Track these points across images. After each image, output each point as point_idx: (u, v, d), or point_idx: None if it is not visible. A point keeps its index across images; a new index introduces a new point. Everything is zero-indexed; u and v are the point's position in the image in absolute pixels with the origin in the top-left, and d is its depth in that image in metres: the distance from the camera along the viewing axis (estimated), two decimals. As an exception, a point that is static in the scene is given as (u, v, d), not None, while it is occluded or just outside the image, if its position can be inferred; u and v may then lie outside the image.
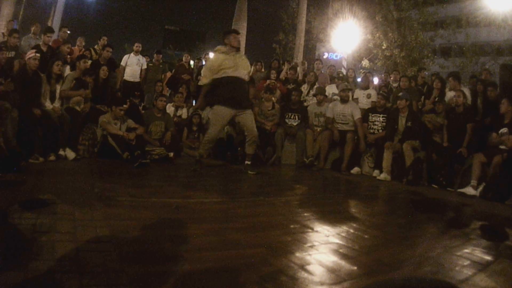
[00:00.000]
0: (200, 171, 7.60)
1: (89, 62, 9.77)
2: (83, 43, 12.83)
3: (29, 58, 7.65)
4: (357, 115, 9.63)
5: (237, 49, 7.86)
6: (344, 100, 9.80)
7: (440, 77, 10.88)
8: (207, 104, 8.26)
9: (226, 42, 7.75)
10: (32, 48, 8.84)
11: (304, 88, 11.66)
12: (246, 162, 8.02)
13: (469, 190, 7.35)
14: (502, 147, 7.47)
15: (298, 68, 14.07)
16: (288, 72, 12.31)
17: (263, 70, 12.92)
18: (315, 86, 11.31)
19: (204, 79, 7.80)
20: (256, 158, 9.42)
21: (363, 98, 11.24)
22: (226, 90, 7.54)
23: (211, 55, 11.22)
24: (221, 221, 4.25)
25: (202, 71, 8.13)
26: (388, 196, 7.45)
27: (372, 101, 10.91)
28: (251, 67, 10.89)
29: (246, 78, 7.93)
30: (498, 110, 7.92)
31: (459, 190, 7.56)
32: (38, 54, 7.84)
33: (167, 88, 12.93)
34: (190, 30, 63.06)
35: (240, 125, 8.05)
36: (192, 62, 14.59)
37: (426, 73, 14.35)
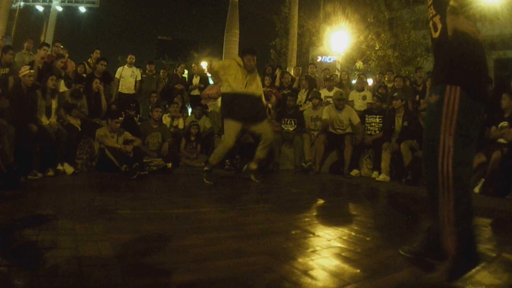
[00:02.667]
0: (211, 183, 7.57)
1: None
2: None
3: (24, 75, 7.65)
4: (356, 119, 9.65)
5: (251, 69, 7.77)
6: (339, 108, 9.81)
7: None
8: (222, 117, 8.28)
9: (243, 61, 7.73)
10: (27, 65, 8.84)
11: (302, 93, 11.67)
12: (252, 165, 7.94)
13: None
14: (501, 140, 7.48)
15: (292, 72, 14.13)
16: (283, 77, 12.34)
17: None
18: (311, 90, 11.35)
19: (209, 66, 7.73)
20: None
21: (359, 100, 11.28)
22: (238, 108, 7.53)
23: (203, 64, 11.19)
24: (222, 230, 4.24)
25: (213, 63, 8.05)
26: (388, 197, 7.46)
27: (367, 103, 10.95)
28: None
29: (259, 92, 7.84)
30: (495, 105, 7.93)
31: None
32: (32, 71, 7.85)
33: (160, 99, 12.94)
34: (183, 40, 63.06)
35: (256, 133, 7.99)
36: (186, 72, 14.59)
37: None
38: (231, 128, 7.57)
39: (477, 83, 2.96)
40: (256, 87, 7.73)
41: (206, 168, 7.70)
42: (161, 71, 15.07)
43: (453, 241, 2.87)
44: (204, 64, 10.09)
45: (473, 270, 3.10)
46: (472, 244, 2.93)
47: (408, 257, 3.34)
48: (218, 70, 7.57)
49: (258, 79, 7.96)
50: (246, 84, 7.54)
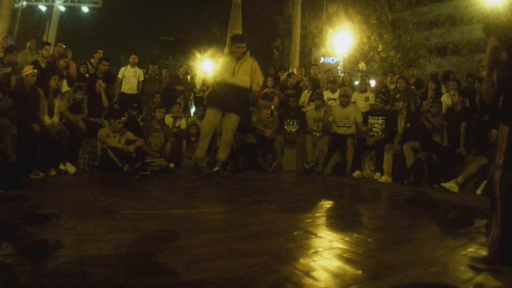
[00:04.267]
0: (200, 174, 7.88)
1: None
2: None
3: (27, 74, 7.66)
4: (359, 119, 9.69)
5: (240, 56, 7.86)
6: (343, 105, 9.85)
7: (434, 78, 10.95)
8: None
9: (230, 50, 7.94)
10: (30, 64, 8.85)
11: (305, 94, 11.65)
12: (216, 168, 7.93)
13: (451, 186, 7.39)
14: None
15: (296, 71, 14.12)
16: (290, 78, 12.32)
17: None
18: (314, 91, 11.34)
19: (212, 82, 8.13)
20: (258, 166, 9.48)
21: (361, 101, 11.27)
22: (217, 94, 7.86)
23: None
24: (224, 230, 4.24)
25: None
26: (390, 198, 7.44)
27: (370, 104, 10.95)
28: None
29: (245, 84, 7.87)
30: (497, 107, 7.91)
31: (442, 184, 7.61)
32: (35, 70, 7.85)
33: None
34: (186, 40, 63.04)
35: (222, 128, 8.21)
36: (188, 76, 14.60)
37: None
38: (208, 114, 7.98)
39: None
40: (244, 76, 7.81)
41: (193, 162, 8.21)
42: (164, 70, 15.08)
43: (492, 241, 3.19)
44: (205, 65, 10.10)
45: (476, 272, 3.10)
46: None
47: (409, 259, 3.35)
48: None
49: (249, 68, 7.91)
50: (233, 72, 7.65)
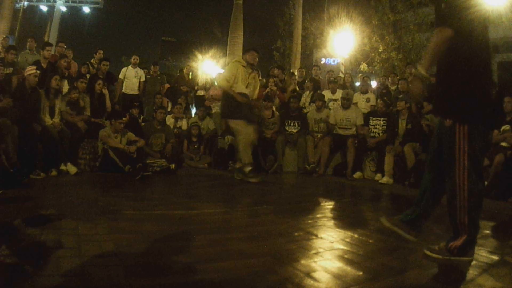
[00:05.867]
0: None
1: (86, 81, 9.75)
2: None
3: (29, 74, 7.67)
4: (360, 121, 9.72)
5: (253, 66, 8.23)
6: (345, 107, 9.87)
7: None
8: (223, 116, 8.50)
9: (244, 58, 8.21)
10: (32, 64, 8.85)
11: (306, 95, 11.65)
12: (239, 165, 8.24)
13: None
14: (504, 144, 7.46)
15: (296, 72, 14.12)
16: (290, 79, 12.32)
17: (260, 78, 12.90)
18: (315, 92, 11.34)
19: (224, 83, 8.08)
20: (259, 167, 9.49)
21: (363, 102, 11.27)
22: (242, 107, 7.93)
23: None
24: (225, 231, 4.24)
25: (217, 80, 8.38)
26: (391, 199, 7.44)
27: (371, 105, 10.95)
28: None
29: (253, 96, 8.38)
30: (497, 108, 7.91)
31: None
32: (38, 72, 7.87)
33: (167, 100, 12.90)
34: (187, 40, 63.11)
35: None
36: (191, 74, 14.62)
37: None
38: (244, 125, 8.00)
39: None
40: (253, 89, 8.23)
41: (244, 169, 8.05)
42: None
43: (459, 243, 3.28)
44: (206, 66, 10.10)
45: (476, 273, 3.10)
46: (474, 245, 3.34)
47: (410, 260, 3.35)
48: (228, 81, 7.96)
49: (257, 81, 8.41)
50: (247, 84, 7.87)
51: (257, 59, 8.23)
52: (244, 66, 8.00)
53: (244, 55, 8.28)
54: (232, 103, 7.91)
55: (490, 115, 3.42)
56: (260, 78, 12.83)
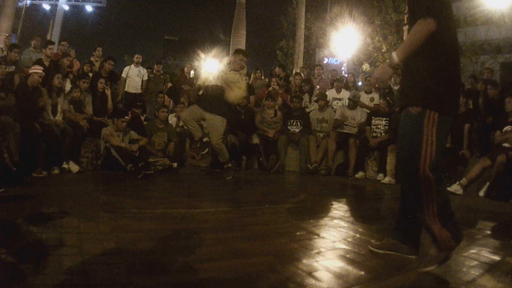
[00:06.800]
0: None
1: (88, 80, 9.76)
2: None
3: (35, 72, 7.67)
4: (363, 119, 9.82)
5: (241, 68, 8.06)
6: (351, 107, 9.94)
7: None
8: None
9: (231, 60, 8.04)
10: (35, 63, 8.85)
11: (305, 97, 11.63)
12: (228, 165, 8.18)
13: (455, 188, 7.37)
14: (506, 145, 7.45)
15: (298, 71, 14.09)
16: (294, 79, 12.29)
17: (263, 77, 12.90)
18: (317, 92, 11.34)
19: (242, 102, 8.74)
20: (261, 166, 9.50)
21: (367, 102, 11.28)
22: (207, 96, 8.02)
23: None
24: (227, 230, 4.24)
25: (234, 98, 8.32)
26: (393, 199, 7.43)
27: (375, 104, 10.96)
28: (251, 75, 11.11)
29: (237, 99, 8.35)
30: (500, 109, 7.91)
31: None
32: (43, 73, 7.89)
33: (169, 99, 12.89)
34: (189, 40, 62.98)
35: (207, 129, 8.48)
36: (192, 72, 14.59)
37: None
38: (193, 108, 8.27)
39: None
40: (237, 90, 8.02)
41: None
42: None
43: (439, 229, 3.06)
44: (209, 65, 10.08)
45: (478, 274, 3.10)
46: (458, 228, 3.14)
47: (412, 259, 3.33)
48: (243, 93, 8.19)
49: (245, 83, 8.44)
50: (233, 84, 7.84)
51: (244, 63, 8.06)
52: (234, 71, 7.93)
53: (233, 57, 8.15)
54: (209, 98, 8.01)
55: (456, 106, 3.31)
56: (263, 77, 12.87)
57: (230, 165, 8.06)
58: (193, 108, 8.24)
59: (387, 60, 3.33)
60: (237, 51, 8.32)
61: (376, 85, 10.13)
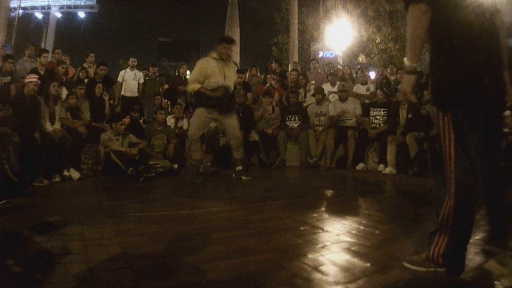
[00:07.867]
0: (207, 179, 7.72)
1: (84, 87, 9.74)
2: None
3: (30, 81, 7.67)
4: (358, 111, 9.76)
5: (227, 57, 7.79)
6: (342, 99, 9.90)
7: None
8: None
9: (217, 50, 7.69)
10: (30, 72, 8.83)
11: (301, 91, 11.62)
12: (238, 168, 7.95)
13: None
14: (505, 130, 7.45)
15: (291, 66, 14.08)
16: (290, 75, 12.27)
17: (258, 74, 12.88)
18: (312, 86, 11.33)
19: (192, 86, 7.72)
20: (261, 163, 9.50)
21: (364, 93, 11.29)
22: (213, 98, 7.54)
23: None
24: (231, 228, 4.24)
25: (189, 78, 8.13)
26: (395, 189, 7.45)
27: (371, 92, 10.98)
28: (246, 72, 11.04)
29: (232, 87, 7.94)
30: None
31: None
32: (39, 81, 7.88)
33: (166, 101, 12.87)
34: (184, 41, 63.06)
35: (226, 130, 8.11)
36: (188, 73, 14.59)
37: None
38: (198, 115, 7.72)
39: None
40: (231, 80, 7.82)
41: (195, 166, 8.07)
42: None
43: (441, 248, 2.86)
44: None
45: (483, 260, 3.10)
46: (462, 256, 2.86)
47: (417, 250, 3.32)
48: (198, 81, 7.62)
49: (233, 71, 8.09)
50: (224, 76, 7.54)
51: (230, 51, 7.80)
52: (216, 59, 7.62)
53: (218, 47, 7.73)
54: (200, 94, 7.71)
55: (478, 96, 2.80)
56: (259, 74, 12.84)
57: (241, 167, 7.97)
58: (199, 118, 7.73)
59: (404, 68, 3.08)
60: (220, 40, 7.88)
61: (411, 100, 9.89)
